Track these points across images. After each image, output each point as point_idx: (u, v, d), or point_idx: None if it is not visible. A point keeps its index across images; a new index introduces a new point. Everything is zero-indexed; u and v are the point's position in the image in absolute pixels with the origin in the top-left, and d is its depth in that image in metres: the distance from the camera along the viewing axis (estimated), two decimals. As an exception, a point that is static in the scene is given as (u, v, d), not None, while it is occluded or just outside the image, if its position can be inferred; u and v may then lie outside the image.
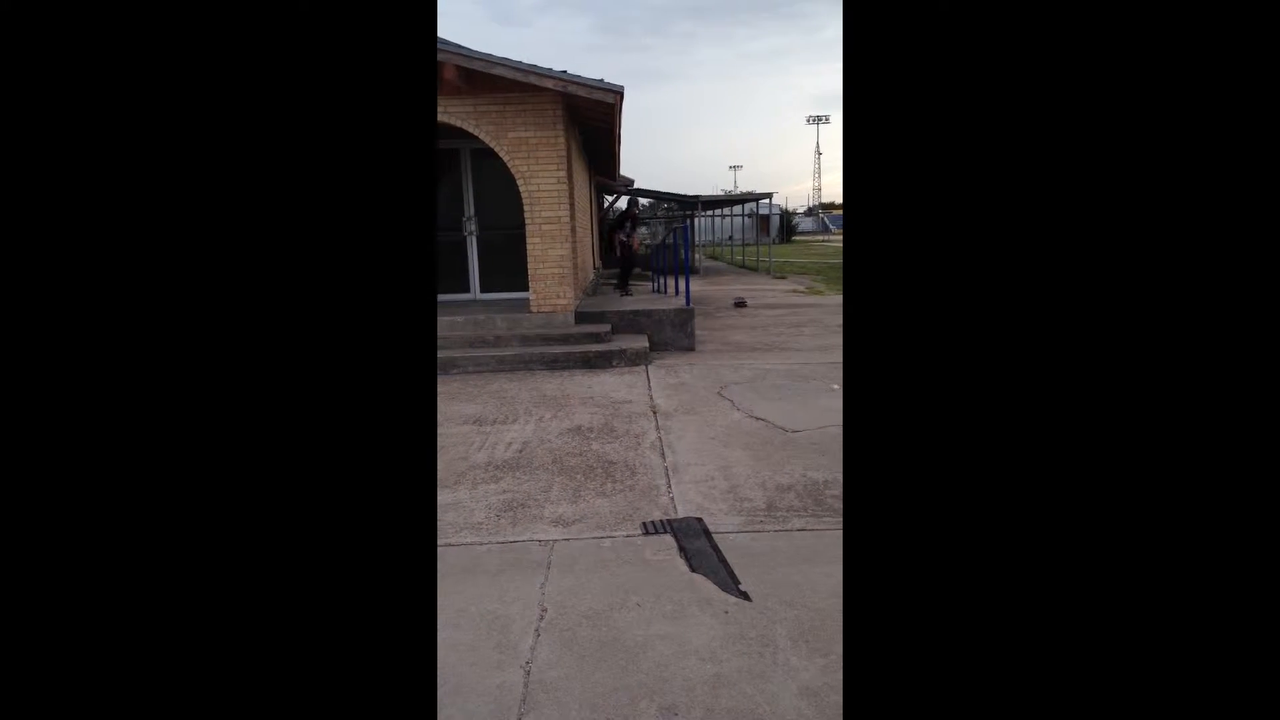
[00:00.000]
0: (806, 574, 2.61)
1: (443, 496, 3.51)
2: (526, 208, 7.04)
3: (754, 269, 21.09)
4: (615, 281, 9.56)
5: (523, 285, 7.53)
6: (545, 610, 2.44)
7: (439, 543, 3.00)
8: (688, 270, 8.14)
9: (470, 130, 6.89)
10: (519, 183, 7.00)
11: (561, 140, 6.96)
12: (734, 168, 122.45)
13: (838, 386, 5.49)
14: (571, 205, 7.33)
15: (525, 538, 3.03)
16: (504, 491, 3.55)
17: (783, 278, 17.18)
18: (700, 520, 3.13)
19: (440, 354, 6.45)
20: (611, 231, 9.40)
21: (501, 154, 6.94)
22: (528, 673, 2.10)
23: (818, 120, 78.53)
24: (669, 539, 2.96)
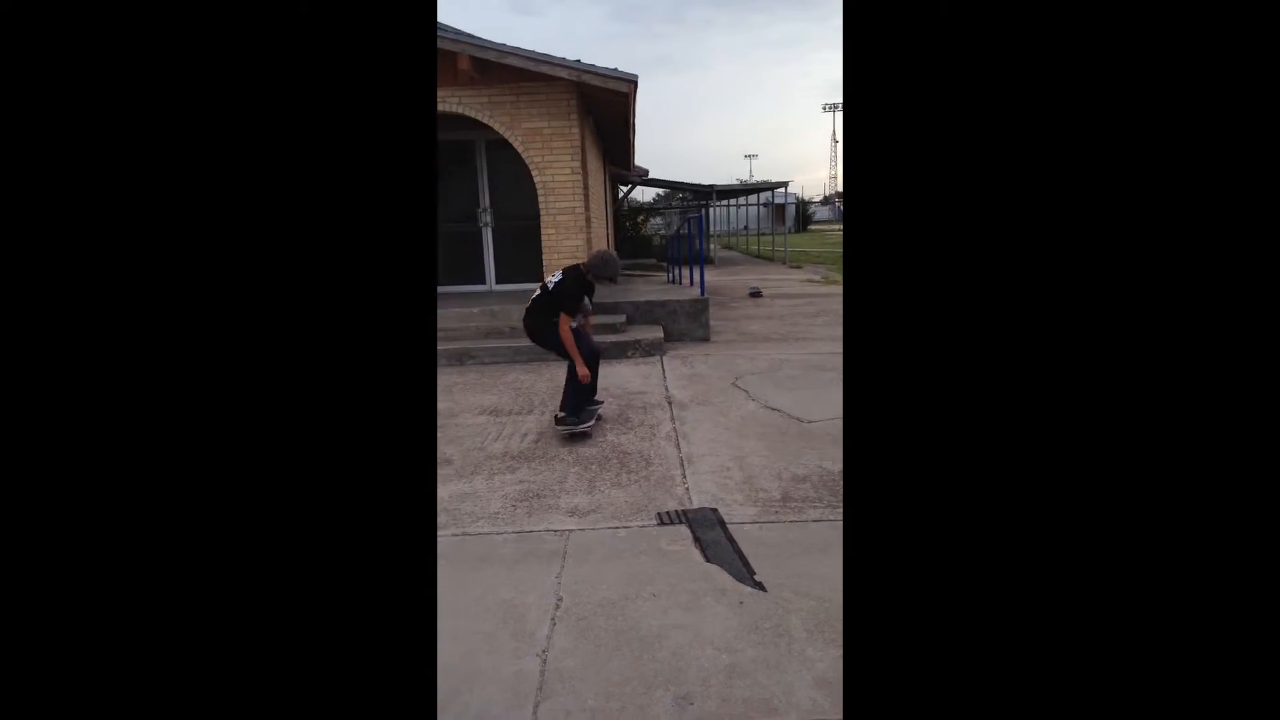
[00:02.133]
0: (821, 565, 2.61)
1: (460, 486, 3.54)
2: (541, 198, 7.05)
3: (769, 259, 20.99)
4: (560, 415, 4.37)
5: (538, 276, 7.55)
6: (561, 599, 2.46)
7: (457, 532, 3.03)
8: (702, 260, 8.12)
9: (485, 121, 6.90)
10: (533, 173, 7.01)
11: (575, 130, 6.95)
12: (749, 156, 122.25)
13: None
14: (586, 196, 7.33)
15: (541, 528, 3.05)
16: (520, 482, 3.58)
17: (798, 267, 17.08)
18: (715, 511, 3.14)
19: (456, 345, 6.49)
20: (567, 297, 4.20)
21: (516, 145, 6.95)
22: (544, 661, 2.12)
23: (833, 108, 77.85)
24: (684, 529, 2.97)
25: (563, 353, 4.33)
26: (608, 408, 4.83)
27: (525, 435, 4.31)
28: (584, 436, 4.25)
